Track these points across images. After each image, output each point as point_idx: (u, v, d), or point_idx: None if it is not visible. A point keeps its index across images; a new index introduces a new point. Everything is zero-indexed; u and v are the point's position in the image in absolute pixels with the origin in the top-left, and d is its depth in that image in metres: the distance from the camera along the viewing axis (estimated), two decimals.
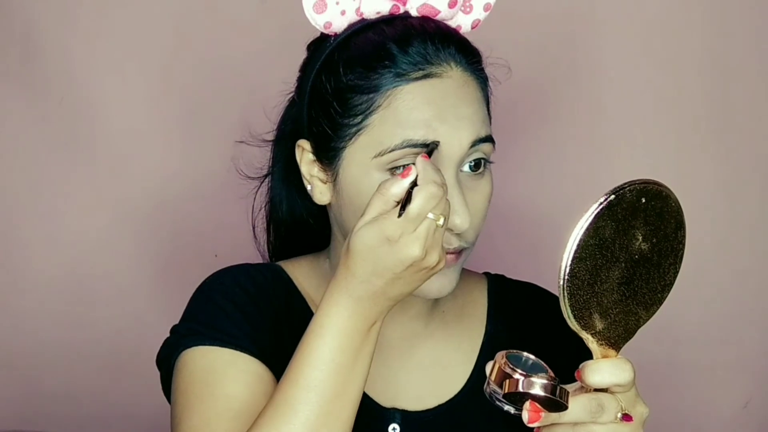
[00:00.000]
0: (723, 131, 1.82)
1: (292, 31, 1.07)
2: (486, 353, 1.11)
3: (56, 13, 1.79)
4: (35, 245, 1.83)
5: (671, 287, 0.86)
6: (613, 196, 0.80)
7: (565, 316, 0.82)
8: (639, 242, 0.82)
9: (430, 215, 0.87)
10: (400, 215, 0.86)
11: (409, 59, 0.97)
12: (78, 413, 1.81)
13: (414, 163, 0.89)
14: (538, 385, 0.80)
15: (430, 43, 0.98)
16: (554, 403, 0.80)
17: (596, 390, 0.83)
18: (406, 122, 0.96)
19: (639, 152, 1.80)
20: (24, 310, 1.83)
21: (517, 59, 1.14)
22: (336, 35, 1.02)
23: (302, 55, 1.07)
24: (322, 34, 1.03)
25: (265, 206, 1.18)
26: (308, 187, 1.05)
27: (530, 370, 0.82)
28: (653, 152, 1.80)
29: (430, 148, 0.94)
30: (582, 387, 0.83)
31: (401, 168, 0.96)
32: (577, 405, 0.81)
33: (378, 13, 1.01)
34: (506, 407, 0.83)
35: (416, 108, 0.96)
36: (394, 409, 1.08)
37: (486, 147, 0.99)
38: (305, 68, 1.06)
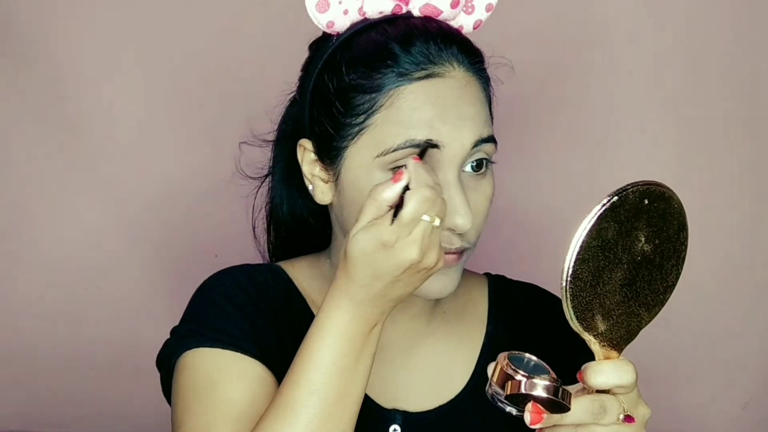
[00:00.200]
0: (723, 131, 1.82)
1: (293, 30, 1.07)
2: (486, 354, 1.11)
3: (56, 14, 1.79)
4: (35, 246, 1.83)
5: (673, 288, 0.86)
6: (615, 198, 0.79)
7: (568, 317, 0.81)
8: (642, 244, 0.82)
9: (425, 217, 0.87)
10: (394, 219, 0.86)
11: (411, 59, 0.97)
12: (78, 413, 1.81)
13: (405, 166, 0.89)
14: (540, 387, 0.80)
15: (433, 43, 0.98)
16: (556, 404, 0.80)
17: (598, 391, 0.83)
18: (408, 122, 0.95)
19: (643, 154, 1.80)
20: (23, 311, 1.83)
21: (518, 59, 1.14)
22: (338, 35, 1.02)
23: (304, 54, 1.07)
24: (324, 33, 1.03)
25: (265, 206, 1.18)
26: (310, 187, 1.04)
27: (532, 372, 0.82)
28: (658, 154, 1.80)
29: (421, 149, 0.94)
30: (584, 388, 0.83)
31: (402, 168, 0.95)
32: (579, 406, 0.81)
33: (380, 12, 1.01)
34: (508, 408, 0.83)
35: (418, 108, 0.96)
36: (395, 410, 1.07)
37: (488, 147, 0.99)
38: (307, 68, 1.05)
